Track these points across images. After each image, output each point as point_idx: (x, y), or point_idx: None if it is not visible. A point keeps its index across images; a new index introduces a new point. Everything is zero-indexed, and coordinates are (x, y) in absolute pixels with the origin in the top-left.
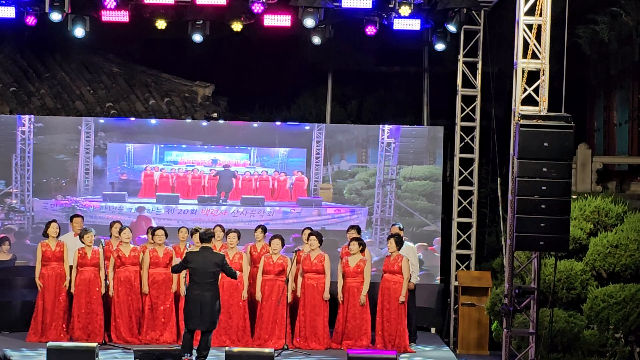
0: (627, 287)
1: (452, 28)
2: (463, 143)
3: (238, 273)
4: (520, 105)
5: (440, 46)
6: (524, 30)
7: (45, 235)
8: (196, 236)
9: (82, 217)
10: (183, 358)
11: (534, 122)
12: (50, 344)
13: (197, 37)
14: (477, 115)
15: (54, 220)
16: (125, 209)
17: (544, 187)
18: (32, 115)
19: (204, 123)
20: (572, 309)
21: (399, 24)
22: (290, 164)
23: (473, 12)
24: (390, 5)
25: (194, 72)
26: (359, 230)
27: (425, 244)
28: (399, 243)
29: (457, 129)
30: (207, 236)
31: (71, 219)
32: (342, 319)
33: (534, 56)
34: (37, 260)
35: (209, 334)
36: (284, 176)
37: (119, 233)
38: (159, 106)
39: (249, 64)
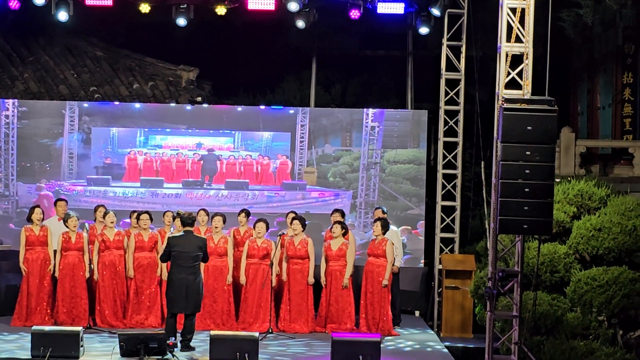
0: (610, 270)
1: (436, 12)
2: (447, 127)
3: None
4: (503, 89)
5: (424, 30)
6: (508, 14)
7: (29, 220)
8: (177, 220)
9: (66, 201)
10: (167, 342)
11: (517, 105)
12: (34, 328)
13: (181, 21)
14: (461, 99)
15: (38, 206)
16: (110, 193)
17: (527, 171)
18: (16, 100)
19: (188, 107)
20: (556, 292)
21: (383, 8)
22: (275, 148)
23: None
24: None
25: (178, 56)
26: (343, 214)
27: (409, 228)
28: (385, 227)
29: (441, 112)
30: (189, 220)
31: (55, 203)
32: (326, 303)
33: (518, 40)
34: (21, 244)
35: (192, 317)
36: (268, 160)
37: (103, 217)
38: (143, 90)
39: (233, 47)
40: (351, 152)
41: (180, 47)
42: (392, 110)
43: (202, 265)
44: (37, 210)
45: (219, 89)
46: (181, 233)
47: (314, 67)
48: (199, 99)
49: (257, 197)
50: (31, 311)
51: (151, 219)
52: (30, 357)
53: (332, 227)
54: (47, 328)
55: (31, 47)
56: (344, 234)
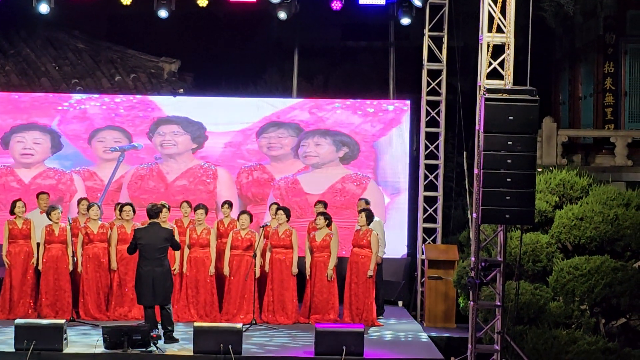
0: (592, 259)
1: (417, 2)
2: (429, 117)
3: (180, 245)
4: (485, 79)
5: (405, 20)
6: (489, 4)
7: (12, 213)
8: (165, 212)
9: (48, 194)
10: (151, 334)
11: (499, 95)
12: (18, 320)
13: (163, 13)
14: (443, 90)
15: (19, 199)
16: None
17: (509, 161)
18: None
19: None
20: (538, 281)
21: None
22: None
23: None
24: None
25: (160, 48)
26: (325, 205)
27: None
28: (369, 217)
29: (423, 103)
30: (152, 212)
31: (37, 195)
32: (310, 294)
33: (499, 30)
34: (4, 238)
35: (168, 309)
36: None
37: (87, 210)
38: (124, 82)
39: (214, 39)
40: None
41: (162, 39)
42: (374, 100)
43: (185, 255)
44: (18, 203)
45: (200, 81)
46: (147, 225)
47: (296, 59)
48: (181, 90)
49: None
50: (14, 304)
51: (134, 211)
52: (13, 350)
53: (315, 219)
54: (30, 321)
55: (12, 39)
56: (328, 225)
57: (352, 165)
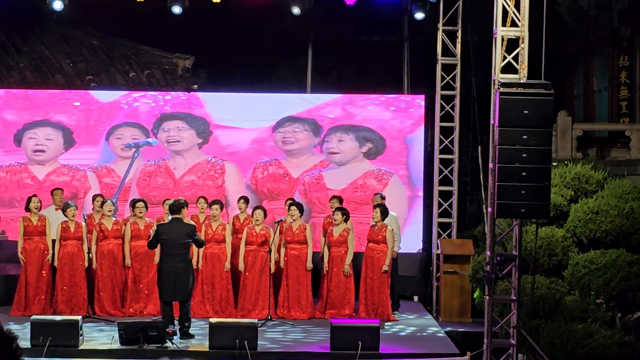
0: (608, 253)
1: None
2: (443, 112)
3: (205, 242)
4: (500, 74)
5: (419, 15)
6: None
7: (27, 209)
8: (166, 207)
9: (62, 190)
10: (167, 330)
11: (514, 90)
12: (34, 317)
13: (177, 9)
14: (457, 84)
15: (35, 195)
16: None
17: (524, 155)
18: None
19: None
20: (554, 275)
21: None
22: None
23: None
24: None
25: (174, 44)
26: (340, 200)
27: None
28: (384, 213)
29: (437, 97)
30: (175, 207)
31: (52, 192)
32: (326, 289)
33: (513, 24)
34: (19, 234)
35: (187, 305)
36: None
37: (101, 206)
38: (139, 79)
39: (228, 35)
40: None
41: (176, 35)
42: (388, 95)
43: (201, 251)
44: (34, 199)
45: (215, 77)
46: (169, 220)
47: (310, 54)
48: (195, 86)
49: None
50: (30, 301)
51: (146, 207)
52: (29, 346)
53: (333, 214)
54: (46, 317)
55: (27, 36)
56: (345, 220)
57: (380, 161)
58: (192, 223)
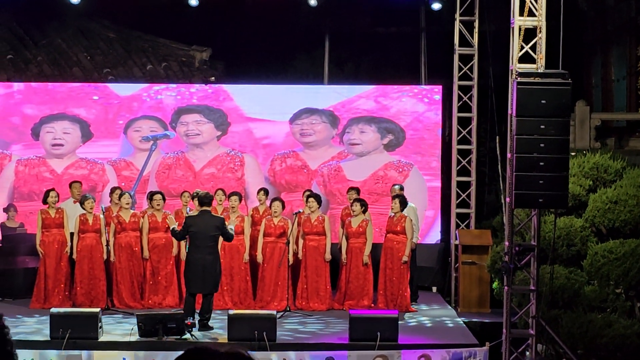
0: (626, 242)
1: None
2: (461, 102)
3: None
4: (517, 63)
5: (436, 5)
6: None
7: (45, 202)
8: (195, 200)
9: (81, 182)
10: (186, 321)
11: (531, 79)
12: (53, 309)
13: (193, 1)
14: (475, 74)
15: (53, 189)
16: None
17: (542, 145)
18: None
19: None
20: (572, 265)
21: None
22: None
23: None
24: None
25: (191, 37)
26: (358, 192)
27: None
28: (404, 203)
29: (455, 88)
30: (206, 199)
31: (70, 185)
32: (345, 280)
33: (531, 13)
34: (37, 227)
35: (210, 297)
36: None
37: (119, 199)
38: (156, 71)
39: (245, 27)
40: None
41: (193, 28)
42: (405, 86)
43: (220, 242)
44: (52, 193)
45: (231, 69)
46: (198, 213)
47: (327, 45)
48: (212, 79)
49: None
50: (49, 293)
51: (164, 199)
52: (49, 338)
53: (351, 205)
54: (65, 310)
55: (44, 30)
56: (364, 211)
57: (398, 153)
58: (221, 216)
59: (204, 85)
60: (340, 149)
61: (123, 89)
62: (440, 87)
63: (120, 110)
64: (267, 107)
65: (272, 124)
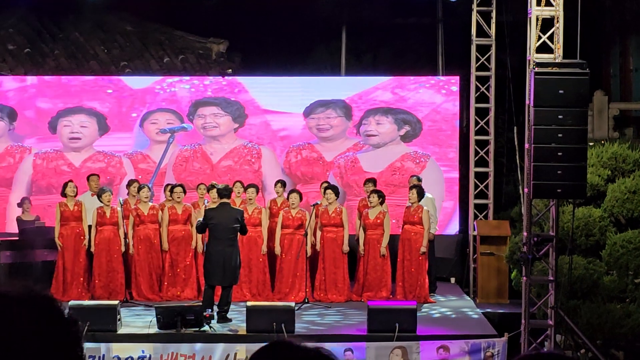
0: None
1: None
2: (479, 93)
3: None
4: (535, 53)
5: None
6: None
7: (63, 195)
8: (213, 192)
9: (98, 175)
10: (204, 314)
11: (549, 69)
12: (72, 302)
13: None
14: (492, 65)
15: (71, 180)
16: None
17: (560, 135)
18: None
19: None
20: (591, 255)
21: None
22: None
23: None
24: None
25: (207, 29)
26: (375, 183)
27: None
28: (421, 194)
29: (473, 78)
30: (226, 192)
31: (88, 178)
32: (363, 271)
33: (548, 3)
34: (56, 220)
35: (229, 289)
36: None
37: (138, 192)
38: (173, 64)
39: (262, 18)
40: None
41: (210, 20)
42: (423, 77)
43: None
44: (70, 184)
45: (249, 61)
46: (217, 205)
47: (344, 37)
48: (230, 71)
49: None
50: (68, 286)
51: (184, 192)
52: None
53: (368, 197)
54: (84, 302)
55: (61, 23)
56: (381, 203)
57: (415, 144)
58: (241, 209)
59: (219, 77)
60: (355, 140)
61: (136, 82)
62: (458, 77)
63: (133, 103)
64: (284, 99)
65: (289, 115)
